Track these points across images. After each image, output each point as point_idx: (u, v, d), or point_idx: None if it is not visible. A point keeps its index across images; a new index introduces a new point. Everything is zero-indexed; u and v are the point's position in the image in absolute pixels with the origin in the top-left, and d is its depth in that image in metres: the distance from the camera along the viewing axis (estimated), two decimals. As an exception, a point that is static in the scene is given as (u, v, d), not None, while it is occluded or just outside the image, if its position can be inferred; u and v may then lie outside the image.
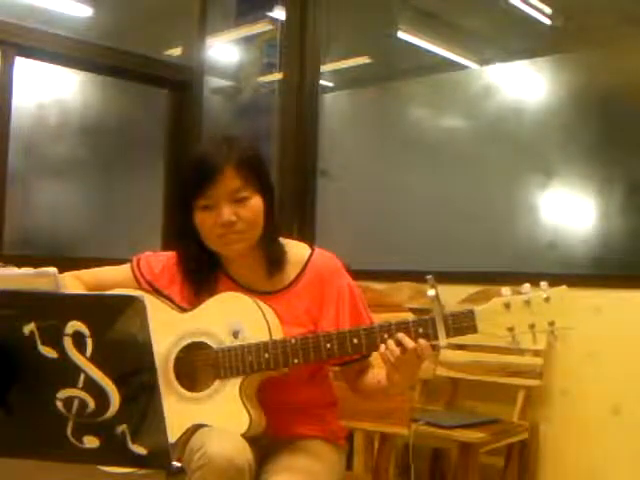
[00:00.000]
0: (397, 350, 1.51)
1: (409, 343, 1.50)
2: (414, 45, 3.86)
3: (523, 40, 3.53)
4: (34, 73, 3.39)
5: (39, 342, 1.15)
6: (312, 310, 1.68)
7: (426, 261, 3.42)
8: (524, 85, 3.49)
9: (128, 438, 1.13)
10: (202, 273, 1.70)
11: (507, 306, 1.50)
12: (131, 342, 1.12)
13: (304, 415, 1.72)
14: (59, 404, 1.15)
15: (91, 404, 1.14)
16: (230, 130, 4.17)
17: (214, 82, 4.11)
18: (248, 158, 1.65)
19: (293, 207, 3.87)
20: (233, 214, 1.61)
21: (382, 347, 1.53)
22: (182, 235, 1.70)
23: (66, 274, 1.72)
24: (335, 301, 1.68)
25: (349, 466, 2.66)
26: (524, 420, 2.94)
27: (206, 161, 1.63)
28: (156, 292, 1.75)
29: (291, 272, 1.71)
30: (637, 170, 3.10)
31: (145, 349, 1.13)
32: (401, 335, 1.52)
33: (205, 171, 1.61)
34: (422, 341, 1.51)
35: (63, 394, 1.15)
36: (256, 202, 1.65)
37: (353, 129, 4.03)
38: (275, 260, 1.70)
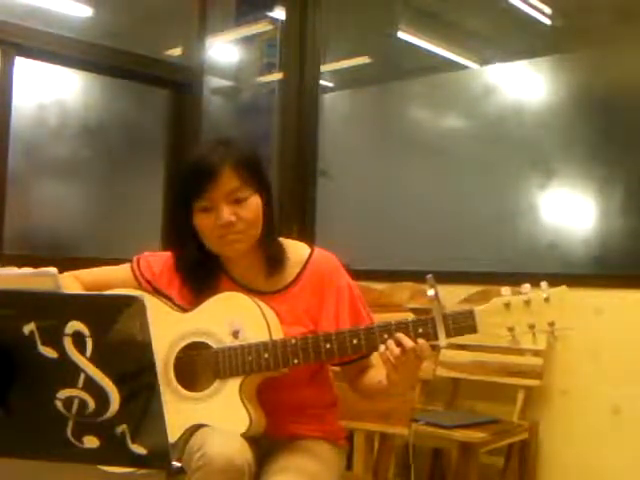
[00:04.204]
0: (397, 350, 1.50)
1: (408, 343, 1.50)
2: (414, 45, 3.86)
3: (523, 40, 3.53)
4: (34, 73, 3.39)
5: (39, 342, 1.15)
6: (312, 310, 1.68)
7: (426, 261, 3.42)
8: (524, 85, 3.49)
9: (128, 438, 1.13)
10: (202, 274, 1.70)
11: (507, 306, 1.50)
12: (131, 342, 1.12)
13: (304, 415, 1.72)
14: (59, 404, 1.15)
15: (91, 404, 1.14)
16: (230, 130, 4.18)
17: (214, 82, 4.11)
18: (245, 158, 1.65)
19: (293, 207, 3.87)
20: (232, 214, 1.61)
21: (382, 347, 1.53)
22: (182, 237, 1.70)
23: (66, 274, 1.72)
24: (335, 301, 1.68)
25: (349, 466, 2.66)
26: (524, 420, 2.94)
27: (203, 163, 1.63)
28: (156, 292, 1.75)
29: (291, 272, 1.71)
30: (637, 170, 3.10)
31: (145, 349, 1.13)
32: (401, 335, 1.52)
33: (202, 173, 1.61)
34: (421, 341, 1.51)
35: (63, 394, 1.15)
36: (255, 202, 1.65)
37: (353, 129, 4.03)
38: (275, 259, 1.70)
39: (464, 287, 3.07)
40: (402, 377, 1.54)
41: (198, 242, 1.68)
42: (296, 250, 1.74)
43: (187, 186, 1.64)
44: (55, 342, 1.14)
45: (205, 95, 3.95)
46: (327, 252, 1.77)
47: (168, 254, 1.78)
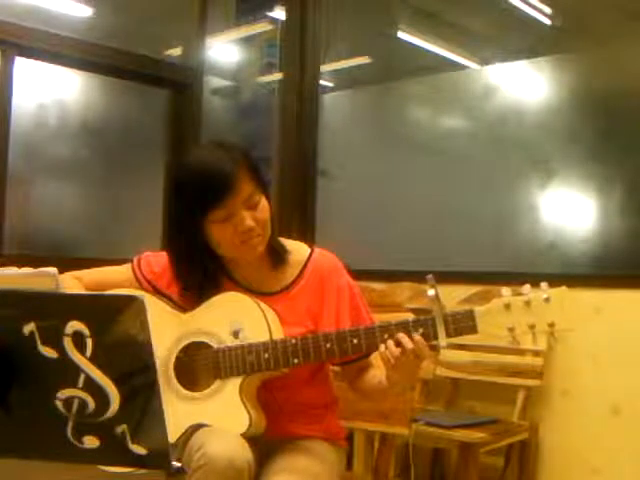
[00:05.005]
0: (396, 350, 1.51)
1: (408, 343, 1.50)
2: (414, 45, 3.86)
3: (523, 40, 3.52)
4: (34, 73, 3.38)
5: (39, 342, 1.15)
6: (312, 310, 1.68)
7: (426, 261, 3.42)
8: (524, 85, 3.49)
9: (128, 438, 1.13)
10: (206, 278, 1.69)
11: (507, 306, 1.50)
12: (131, 342, 1.12)
13: (304, 415, 1.72)
14: (59, 404, 1.15)
15: (91, 404, 1.14)
16: (230, 130, 4.18)
17: (214, 82, 4.11)
18: (251, 161, 1.64)
19: (293, 207, 3.87)
20: (252, 219, 1.60)
21: (382, 347, 1.53)
22: (191, 250, 1.66)
23: (66, 274, 1.72)
24: (335, 301, 1.68)
25: (349, 466, 2.66)
26: (524, 420, 2.94)
27: (217, 171, 1.58)
28: (157, 292, 1.75)
29: (291, 272, 1.71)
30: (637, 170, 3.10)
31: (145, 349, 1.13)
32: (401, 335, 1.52)
33: (219, 182, 1.56)
34: (418, 337, 1.51)
35: (63, 394, 1.15)
36: (265, 203, 1.65)
37: (353, 129, 4.03)
38: (278, 256, 1.70)
39: (464, 287, 3.07)
40: (402, 377, 1.54)
41: (206, 252, 1.65)
42: (296, 250, 1.74)
43: (202, 197, 1.58)
44: (55, 342, 1.14)
45: (205, 95, 3.94)
46: (327, 252, 1.77)
47: (169, 254, 1.77)
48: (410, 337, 1.51)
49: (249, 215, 1.60)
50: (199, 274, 1.67)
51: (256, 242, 1.63)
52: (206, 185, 1.58)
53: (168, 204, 1.73)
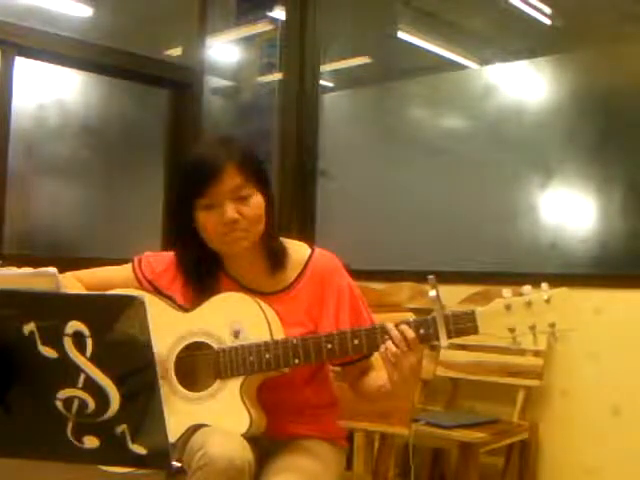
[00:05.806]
0: (394, 348, 1.51)
1: (397, 336, 1.51)
2: (414, 45, 3.86)
3: (523, 40, 3.53)
4: (34, 73, 3.38)
5: (39, 342, 1.15)
6: (312, 310, 1.68)
7: (426, 261, 3.42)
8: (524, 85, 3.49)
9: (128, 438, 1.13)
10: (203, 274, 1.70)
11: (508, 307, 1.50)
12: (131, 342, 1.12)
13: (304, 415, 1.72)
14: (59, 404, 1.15)
15: (91, 404, 1.14)
16: (230, 130, 4.18)
17: (214, 82, 4.11)
18: (247, 156, 1.65)
19: (293, 207, 3.87)
20: (236, 212, 1.61)
21: (382, 347, 1.53)
22: (183, 237, 1.70)
23: (66, 274, 1.72)
24: (335, 301, 1.68)
25: (349, 466, 2.66)
26: (524, 420, 2.94)
27: (206, 160, 1.62)
28: (157, 292, 1.74)
29: (291, 272, 1.71)
30: (637, 170, 3.10)
31: (145, 349, 1.12)
32: (390, 327, 1.52)
33: (206, 170, 1.61)
34: (405, 328, 1.51)
35: (63, 394, 1.15)
36: (258, 200, 1.65)
37: (353, 129, 4.03)
38: (277, 257, 1.70)
39: (464, 287, 3.07)
40: (401, 375, 1.54)
41: (199, 240, 1.68)
42: (297, 250, 1.74)
43: (190, 184, 1.63)
44: (55, 342, 1.14)
45: (205, 95, 3.95)
46: (328, 252, 1.76)
47: (170, 254, 1.77)
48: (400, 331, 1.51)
49: (233, 207, 1.61)
50: (194, 262, 1.69)
51: (239, 235, 1.63)
52: (193, 173, 1.64)
53: (170, 189, 1.77)
